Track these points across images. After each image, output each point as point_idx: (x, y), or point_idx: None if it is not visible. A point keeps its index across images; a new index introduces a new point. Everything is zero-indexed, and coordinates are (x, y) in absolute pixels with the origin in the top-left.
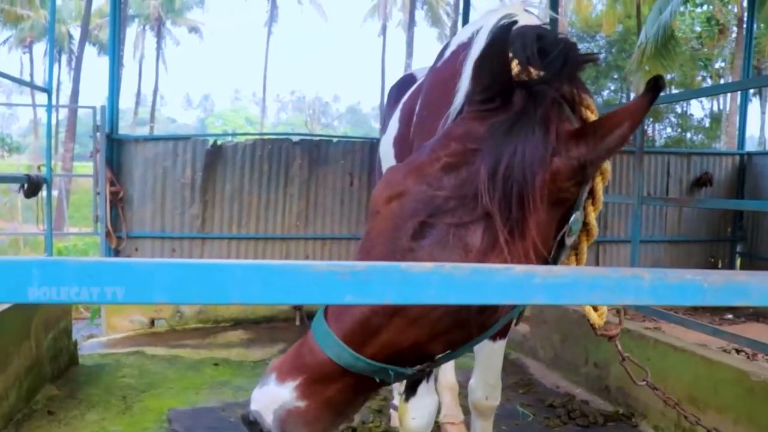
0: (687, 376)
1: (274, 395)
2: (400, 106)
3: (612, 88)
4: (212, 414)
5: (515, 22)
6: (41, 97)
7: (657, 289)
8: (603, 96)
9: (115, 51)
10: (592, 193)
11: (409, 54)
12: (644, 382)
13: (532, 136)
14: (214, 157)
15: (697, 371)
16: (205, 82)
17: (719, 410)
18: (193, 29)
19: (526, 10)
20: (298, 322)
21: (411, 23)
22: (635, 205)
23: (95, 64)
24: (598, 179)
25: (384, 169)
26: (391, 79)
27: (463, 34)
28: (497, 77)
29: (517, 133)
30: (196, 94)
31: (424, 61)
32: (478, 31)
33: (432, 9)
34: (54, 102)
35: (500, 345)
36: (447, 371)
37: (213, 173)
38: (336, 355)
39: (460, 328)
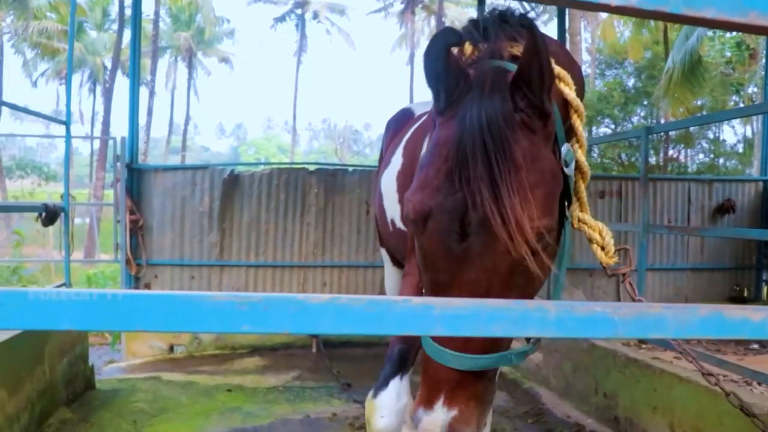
0: (692, 407)
1: (430, 423)
2: (403, 142)
3: (642, 114)
4: None
5: (452, 28)
6: (77, 129)
7: (563, 321)
8: (633, 122)
9: (135, 83)
10: (573, 131)
11: None
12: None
13: (491, 106)
14: (232, 186)
15: (701, 402)
16: (238, 110)
17: None
18: (224, 59)
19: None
20: (314, 349)
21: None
22: (640, 234)
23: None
24: (575, 117)
25: (386, 203)
26: None
27: None
28: (446, 76)
29: (478, 110)
30: (229, 122)
31: None
32: None
33: None
34: (87, 131)
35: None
36: None
37: (231, 202)
38: (459, 364)
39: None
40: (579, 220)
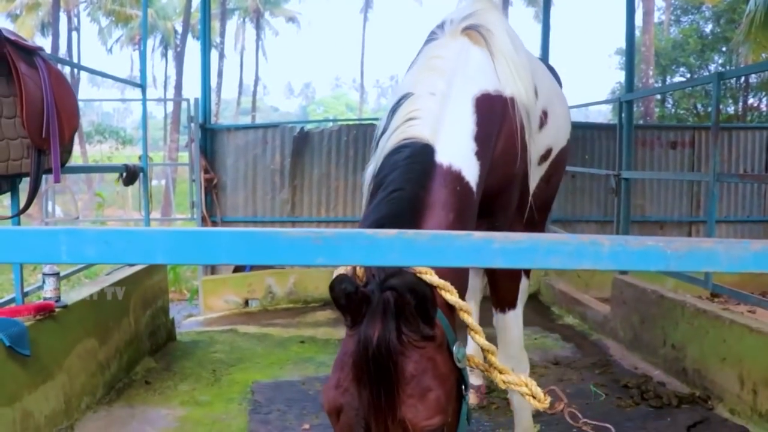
0: (763, 358)
1: None
2: None
3: (720, 61)
4: (293, 387)
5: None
6: (151, 93)
7: (617, 254)
8: (710, 70)
9: (206, 46)
10: (467, 326)
11: None
12: None
13: (383, 331)
14: (302, 143)
15: None
16: (306, 70)
17: None
18: (291, 19)
19: (471, 29)
20: None
21: (506, 3)
22: (711, 183)
23: (198, 58)
24: (464, 315)
25: None
26: None
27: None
28: (348, 305)
29: (371, 333)
30: (297, 82)
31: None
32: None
33: None
34: (160, 95)
35: (512, 316)
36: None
37: (301, 159)
38: None
39: None
40: (504, 382)
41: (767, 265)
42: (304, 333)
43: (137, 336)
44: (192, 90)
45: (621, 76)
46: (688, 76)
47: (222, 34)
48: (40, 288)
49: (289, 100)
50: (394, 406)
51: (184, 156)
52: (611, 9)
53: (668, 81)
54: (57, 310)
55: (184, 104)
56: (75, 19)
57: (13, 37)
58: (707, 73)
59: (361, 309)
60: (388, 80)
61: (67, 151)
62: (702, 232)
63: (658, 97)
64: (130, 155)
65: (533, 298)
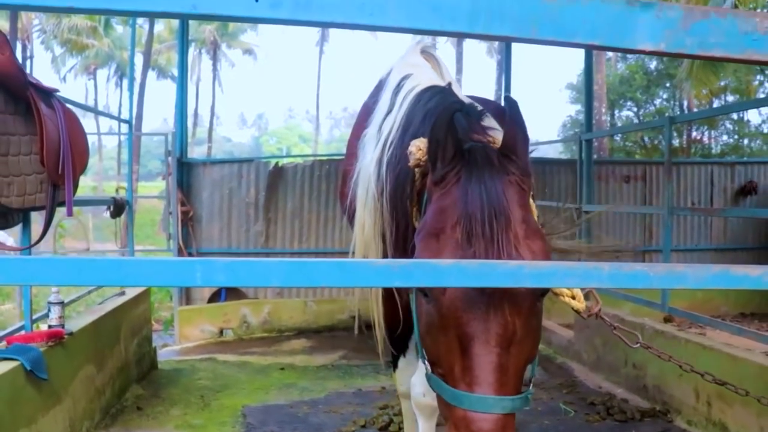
0: (716, 373)
1: None
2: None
3: (664, 96)
4: (282, 410)
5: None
6: (104, 123)
7: (614, 276)
8: (656, 105)
9: (183, 83)
10: None
11: (459, 70)
12: (638, 344)
13: (489, 174)
14: (276, 177)
15: (723, 368)
16: (259, 101)
17: (744, 404)
18: (248, 51)
19: (425, 52)
20: (356, 331)
21: (460, 39)
22: (665, 216)
23: (155, 87)
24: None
25: None
26: None
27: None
28: (454, 152)
29: (479, 179)
30: (251, 113)
31: (474, 76)
32: (388, 74)
33: None
34: (111, 125)
35: None
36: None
37: (275, 193)
38: (502, 407)
39: None
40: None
41: (723, 283)
42: (283, 360)
43: (127, 363)
44: (150, 119)
45: (571, 110)
46: (635, 110)
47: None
48: (46, 316)
49: (242, 130)
50: (510, 245)
51: (142, 187)
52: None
53: (617, 115)
54: (65, 336)
55: (155, 138)
56: (29, 47)
57: (34, 81)
58: (653, 107)
59: (456, 155)
60: (341, 111)
61: (75, 186)
62: (655, 260)
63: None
64: (82, 185)
65: None
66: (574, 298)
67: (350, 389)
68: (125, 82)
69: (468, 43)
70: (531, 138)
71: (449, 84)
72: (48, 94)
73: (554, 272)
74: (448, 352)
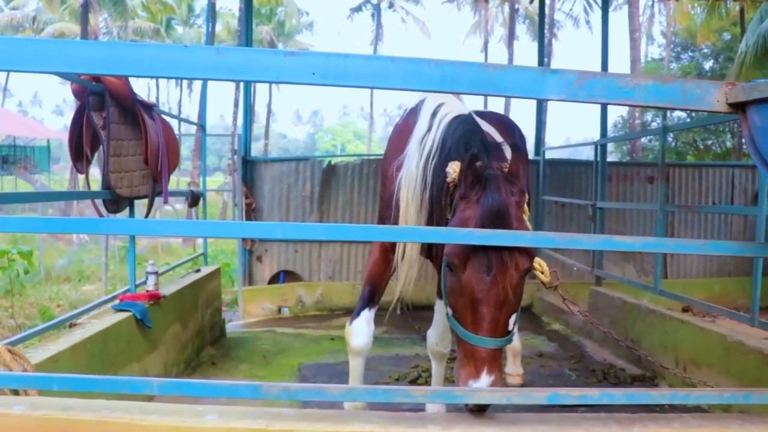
0: (691, 344)
1: (479, 388)
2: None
3: None
4: (331, 367)
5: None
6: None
7: (544, 241)
8: None
9: (248, 89)
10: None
11: None
12: (578, 312)
13: (498, 195)
14: (329, 174)
15: (696, 339)
16: (314, 98)
17: (709, 366)
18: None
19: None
20: (399, 311)
21: (511, 39)
22: (657, 212)
23: (211, 84)
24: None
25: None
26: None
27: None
28: (474, 178)
29: (491, 197)
30: (306, 110)
31: None
32: (422, 102)
33: (533, 23)
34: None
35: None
36: (515, 340)
37: (328, 188)
38: (495, 345)
39: None
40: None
41: (607, 246)
42: (333, 333)
43: (203, 328)
44: (209, 117)
45: (623, 110)
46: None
47: None
48: (144, 282)
49: (297, 127)
50: (510, 249)
51: (210, 181)
52: (613, 44)
53: (668, 116)
54: (162, 298)
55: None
56: None
57: (139, 98)
58: None
59: (478, 180)
60: (396, 108)
61: (168, 180)
62: (675, 256)
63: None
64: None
65: (526, 310)
66: (543, 273)
67: (389, 354)
68: (184, 80)
69: (517, 44)
70: (570, 139)
71: (470, 113)
72: (149, 107)
73: (524, 239)
74: (463, 307)
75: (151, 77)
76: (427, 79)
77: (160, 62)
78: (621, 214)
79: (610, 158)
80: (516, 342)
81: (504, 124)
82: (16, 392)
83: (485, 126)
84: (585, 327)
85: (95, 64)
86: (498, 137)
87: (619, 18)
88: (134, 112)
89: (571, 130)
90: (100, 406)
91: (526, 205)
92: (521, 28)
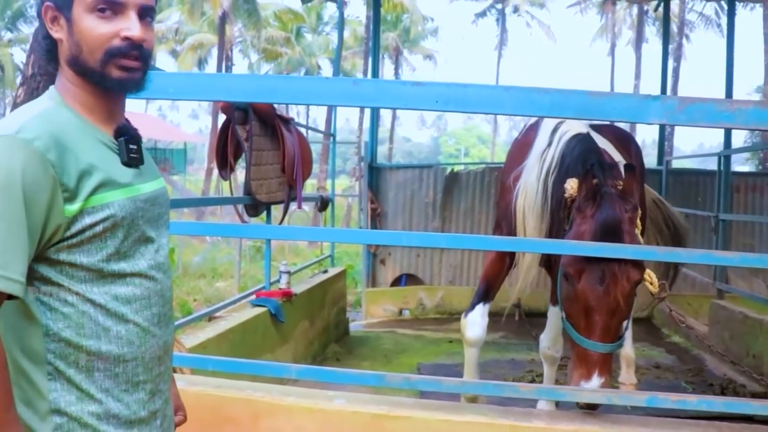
0: None
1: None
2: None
3: None
4: (448, 368)
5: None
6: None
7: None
8: None
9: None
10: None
11: (637, 75)
12: (684, 325)
13: (613, 211)
14: (452, 181)
15: None
16: None
17: None
18: (428, 57)
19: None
20: (517, 317)
21: (639, 42)
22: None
23: None
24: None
25: None
26: None
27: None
28: (591, 195)
29: (606, 214)
30: (429, 114)
31: (652, 80)
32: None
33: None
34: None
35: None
36: (627, 345)
37: (450, 195)
38: (606, 350)
39: None
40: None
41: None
42: (452, 336)
43: (328, 325)
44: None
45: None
46: None
47: (364, 71)
48: (277, 281)
49: (420, 131)
50: (621, 264)
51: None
52: (747, 46)
53: None
54: (294, 296)
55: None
56: (230, 56)
57: (278, 113)
58: None
59: (594, 197)
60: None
61: (303, 188)
62: None
63: None
64: None
65: (647, 321)
66: (652, 284)
67: (505, 358)
68: None
69: (646, 47)
70: (703, 144)
71: (588, 130)
72: (287, 121)
73: (626, 251)
74: (577, 314)
75: (297, 104)
76: (538, 105)
77: (304, 92)
78: (750, 227)
79: (744, 167)
80: (630, 351)
81: (619, 137)
82: (174, 370)
83: (601, 142)
84: (704, 340)
85: (251, 93)
86: (614, 152)
87: (754, 18)
88: (273, 126)
89: (704, 135)
90: (245, 386)
91: (639, 220)
92: (651, 30)
